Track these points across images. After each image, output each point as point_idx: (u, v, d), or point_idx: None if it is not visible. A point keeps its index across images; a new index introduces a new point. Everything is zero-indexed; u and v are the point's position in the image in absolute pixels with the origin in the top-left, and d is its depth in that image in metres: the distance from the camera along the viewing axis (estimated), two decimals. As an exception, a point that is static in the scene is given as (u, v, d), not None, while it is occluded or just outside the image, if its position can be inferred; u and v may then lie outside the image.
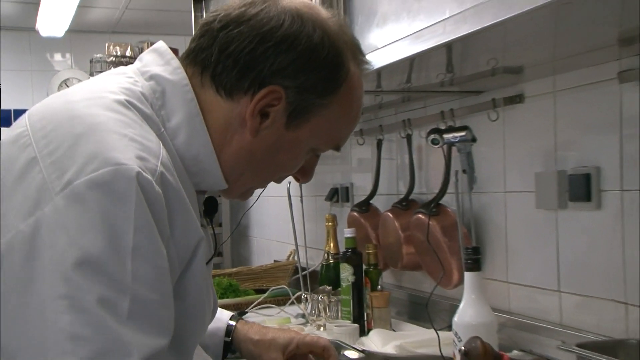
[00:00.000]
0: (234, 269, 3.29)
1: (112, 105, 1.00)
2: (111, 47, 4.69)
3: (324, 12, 1.11)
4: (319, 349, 1.37)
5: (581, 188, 1.69)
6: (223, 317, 1.52)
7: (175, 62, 1.09)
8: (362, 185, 2.83)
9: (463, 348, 1.48)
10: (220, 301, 2.83)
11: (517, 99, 1.91)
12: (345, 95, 1.11)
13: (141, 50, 4.74)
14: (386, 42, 1.61)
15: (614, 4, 1.17)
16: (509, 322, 1.92)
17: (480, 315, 1.59)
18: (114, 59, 4.67)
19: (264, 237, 4.21)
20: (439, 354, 1.82)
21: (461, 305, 1.62)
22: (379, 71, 1.69)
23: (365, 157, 2.80)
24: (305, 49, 1.05)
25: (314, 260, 2.93)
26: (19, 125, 1.01)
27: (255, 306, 2.78)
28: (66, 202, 0.88)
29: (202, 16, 3.48)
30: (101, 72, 4.61)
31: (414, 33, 1.48)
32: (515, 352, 1.60)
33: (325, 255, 2.58)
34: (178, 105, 1.06)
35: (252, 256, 4.46)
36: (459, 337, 1.58)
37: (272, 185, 2.81)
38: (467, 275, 1.62)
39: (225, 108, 1.08)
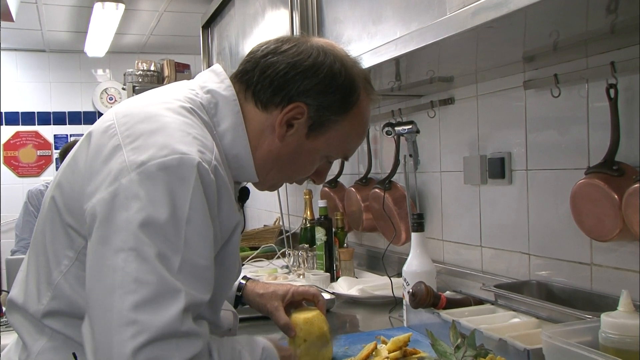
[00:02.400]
0: (235, 232, 3.27)
1: (180, 110, 1.01)
2: (139, 64, 4.64)
3: (343, 50, 1.11)
4: (310, 296, 1.36)
5: (497, 168, 1.70)
6: None
7: (227, 82, 1.09)
8: (332, 167, 2.81)
9: (411, 290, 1.49)
10: (225, 256, 2.83)
11: (449, 101, 1.91)
12: (356, 115, 1.10)
13: (162, 66, 4.71)
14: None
15: (519, 30, 1.18)
16: (444, 270, 1.93)
17: (423, 265, 1.60)
18: (141, 73, 4.62)
19: (255, 207, 4.20)
20: (392, 295, 1.83)
21: (409, 258, 1.62)
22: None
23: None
24: (326, 75, 1.05)
25: (294, 225, 2.93)
26: (107, 119, 1.01)
27: (249, 260, 2.78)
28: (140, 177, 0.89)
29: (209, 40, 3.45)
30: (132, 83, 4.57)
31: (372, 50, 1.47)
32: (448, 292, 1.61)
33: (304, 220, 2.57)
34: (227, 115, 1.06)
35: (248, 222, 4.44)
36: (407, 282, 1.58)
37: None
38: (414, 235, 1.62)
39: (261, 118, 1.08)
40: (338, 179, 2.61)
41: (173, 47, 4.68)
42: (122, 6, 3.34)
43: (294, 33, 1.94)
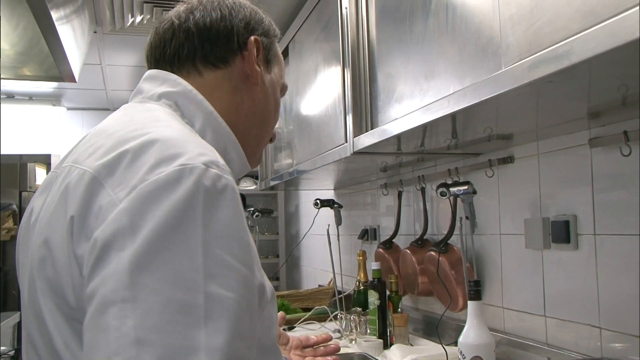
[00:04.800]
0: (287, 292, 3.20)
1: (159, 120, 0.85)
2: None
3: None
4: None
5: (562, 232, 1.58)
6: None
7: (172, 76, 0.96)
8: (387, 227, 2.74)
9: (466, 364, 1.38)
10: (274, 318, 2.76)
11: (509, 159, 1.82)
12: None
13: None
14: (403, 114, 1.54)
15: (583, 84, 1.09)
16: (504, 340, 1.79)
17: (481, 337, 1.49)
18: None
19: (311, 266, 4.13)
20: (447, 366, 1.71)
21: (465, 328, 1.51)
22: (399, 137, 1.62)
23: (389, 204, 2.72)
24: (250, 5, 1.02)
25: (349, 285, 2.85)
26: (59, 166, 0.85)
27: (301, 322, 2.70)
28: (129, 203, 0.69)
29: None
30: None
31: (424, 106, 1.41)
32: (509, 366, 1.49)
33: (357, 283, 2.50)
34: (194, 110, 0.93)
35: (302, 280, 4.38)
36: (464, 355, 1.47)
37: (316, 225, 2.78)
38: (470, 304, 1.52)
39: (227, 75, 0.98)
40: (393, 240, 2.52)
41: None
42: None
43: (346, 89, 1.91)
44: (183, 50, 0.97)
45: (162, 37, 0.98)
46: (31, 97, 4.55)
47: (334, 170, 2.50)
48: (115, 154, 0.75)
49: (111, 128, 0.83)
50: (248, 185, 4.71)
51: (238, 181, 4.30)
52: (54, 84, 4.14)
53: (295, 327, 2.67)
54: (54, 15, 2.14)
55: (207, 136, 0.92)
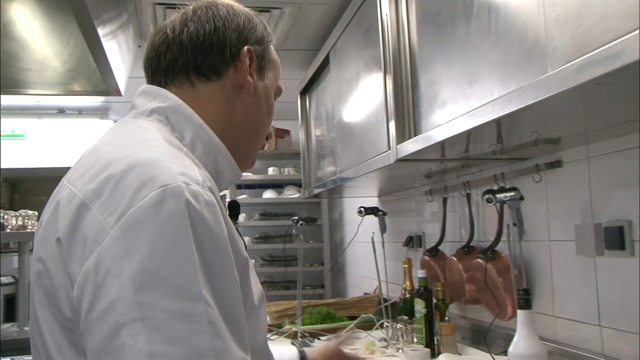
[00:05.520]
0: (332, 300, 3.19)
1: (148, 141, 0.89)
2: (241, 130, 4.76)
3: None
4: None
5: (615, 238, 1.52)
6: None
7: (163, 91, 0.98)
8: (432, 234, 2.70)
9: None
10: (320, 326, 2.75)
11: (557, 164, 1.77)
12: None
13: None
14: (446, 120, 1.51)
15: (635, 85, 1.05)
16: (556, 350, 1.73)
17: (531, 347, 1.45)
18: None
19: (356, 273, 4.11)
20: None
21: (515, 338, 1.47)
22: (443, 143, 1.59)
23: (434, 211, 2.68)
24: (243, 12, 1.03)
25: (395, 293, 2.81)
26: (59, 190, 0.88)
27: (347, 331, 2.67)
28: (122, 231, 0.74)
29: (307, 105, 3.48)
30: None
31: (468, 112, 1.38)
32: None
33: (403, 291, 2.47)
34: (184, 124, 0.95)
35: (348, 288, 4.35)
36: (513, 365, 1.43)
37: (360, 232, 2.76)
38: (520, 313, 1.48)
39: (220, 86, 1.00)
40: (439, 247, 2.48)
41: (274, 113, 4.77)
42: (222, 76, 3.44)
43: (388, 96, 1.89)
44: (177, 63, 0.99)
45: (157, 50, 1.00)
46: (80, 112, 4.66)
47: (378, 178, 2.48)
48: (102, 178, 0.80)
49: (103, 147, 0.88)
50: (292, 194, 4.72)
51: (281, 189, 4.31)
52: (101, 98, 4.23)
53: (341, 335, 2.65)
54: (101, 32, 2.18)
55: (197, 148, 0.94)
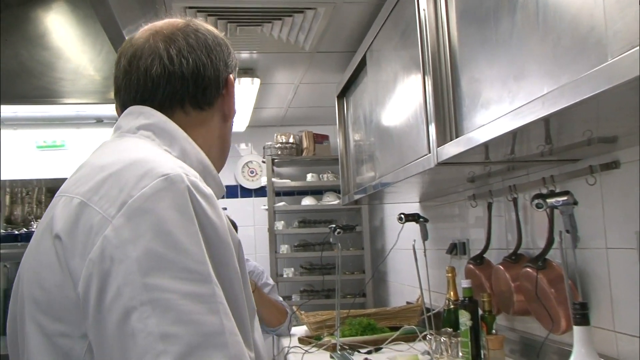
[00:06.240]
0: (373, 310, 3.08)
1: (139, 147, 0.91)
2: (278, 136, 4.70)
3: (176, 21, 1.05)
4: None
5: (682, 246, 1.38)
6: None
7: (146, 109, 0.97)
8: (476, 240, 2.57)
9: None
10: (360, 338, 2.64)
11: (613, 165, 1.63)
12: None
13: (300, 138, 4.73)
14: (490, 120, 1.40)
15: None
16: (617, 367, 1.60)
17: (590, 367, 1.31)
18: (280, 145, 4.67)
19: (398, 281, 3.99)
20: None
21: (572, 357, 1.35)
22: (486, 145, 1.47)
23: (479, 217, 2.55)
24: (222, 38, 1.05)
25: (439, 302, 2.69)
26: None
27: (388, 343, 2.56)
28: (126, 218, 0.74)
29: (344, 109, 3.39)
30: (271, 156, 4.62)
31: (514, 110, 1.27)
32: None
33: (447, 301, 2.34)
34: (170, 138, 0.94)
35: (390, 297, 4.24)
36: (571, 387, 1.30)
37: (402, 239, 2.64)
38: (576, 329, 1.35)
39: (210, 114, 1.02)
40: (484, 255, 2.35)
41: (311, 118, 4.70)
42: (257, 81, 3.38)
43: (427, 96, 1.78)
44: (176, 95, 0.98)
45: (156, 81, 0.97)
46: (117, 120, 4.66)
47: (419, 183, 2.37)
48: (99, 179, 0.80)
49: (95, 160, 0.88)
50: (331, 200, 4.62)
51: (321, 196, 4.23)
52: (138, 107, 4.23)
53: (382, 347, 2.54)
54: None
55: (186, 162, 0.92)
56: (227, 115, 1.05)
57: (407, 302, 3.37)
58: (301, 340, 2.80)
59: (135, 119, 0.96)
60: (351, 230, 2.50)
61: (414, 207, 3.26)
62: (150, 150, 0.88)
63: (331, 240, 2.42)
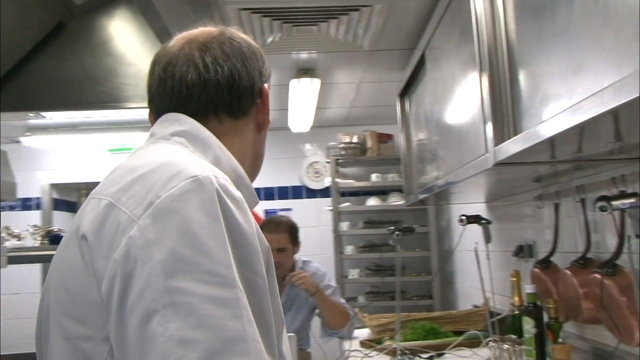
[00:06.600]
0: (437, 313, 2.99)
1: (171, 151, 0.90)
2: (341, 136, 4.66)
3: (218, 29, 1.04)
4: None
5: None
6: None
7: (181, 116, 0.96)
8: (544, 243, 2.44)
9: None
10: (421, 342, 2.57)
11: (689, 163, 1.50)
12: None
13: (365, 138, 4.67)
14: (549, 117, 1.31)
15: None
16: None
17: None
18: (344, 145, 4.63)
19: (465, 284, 3.87)
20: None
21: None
22: (548, 142, 1.37)
23: (546, 218, 2.43)
24: (257, 47, 1.04)
25: (506, 307, 2.58)
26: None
27: (451, 348, 2.48)
28: (152, 219, 0.73)
29: (406, 108, 3.31)
30: (335, 156, 4.59)
31: (573, 105, 1.18)
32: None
33: (511, 306, 2.24)
34: (203, 145, 0.93)
35: (457, 300, 4.12)
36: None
37: (468, 240, 2.54)
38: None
39: (245, 124, 1.01)
40: (550, 259, 2.23)
41: (375, 117, 4.64)
42: (317, 81, 3.36)
43: (483, 93, 1.70)
44: (210, 103, 0.97)
45: (191, 89, 0.96)
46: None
47: (481, 183, 2.28)
48: (129, 179, 0.80)
49: (126, 164, 0.87)
50: (396, 201, 4.54)
51: (386, 196, 4.16)
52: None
53: (444, 353, 2.46)
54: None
55: (219, 169, 0.90)
56: (261, 125, 1.04)
57: (474, 306, 3.26)
58: (363, 343, 2.75)
59: (170, 126, 0.95)
60: (410, 232, 2.44)
61: (480, 208, 3.15)
62: (181, 154, 0.87)
63: (390, 242, 2.35)
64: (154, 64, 1.00)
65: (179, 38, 1.02)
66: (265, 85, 1.04)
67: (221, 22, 2.27)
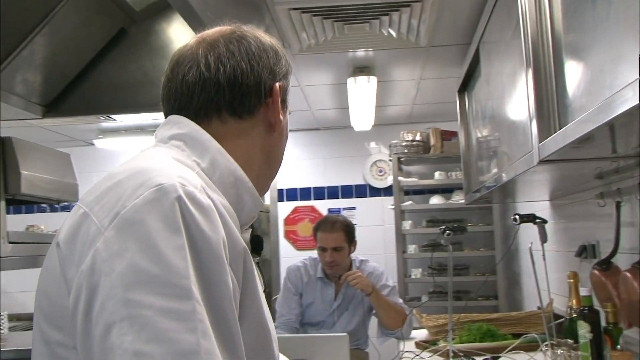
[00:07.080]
0: (495, 315, 2.90)
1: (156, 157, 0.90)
2: (404, 134, 4.61)
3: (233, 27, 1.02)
4: None
5: None
6: None
7: (182, 119, 0.95)
8: (607, 243, 2.33)
9: None
10: (476, 345, 2.50)
11: None
12: None
13: (428, 135, 4.60)
14: (585, 112, 1.24)
15: None
16: None
17: None
18: (407, 143, 4.57)
19: (532, 284, 3.73)
20: None
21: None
22: (584, 138, 1.29)
23: (608, 217, 2.31)
24: (271, 45, 1.01)
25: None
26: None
27: (508, 351, 2.40)
28: (117, 230, 0.73)
29: (465, 104, 3.23)
30: (397, 154, 4.54)
31: (606, 100, 1.11)
32: None
33: (569, 309, 2.14)
34: (201, 149, 0.91)
35: (524, 300, 3.99)
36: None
37: (532, 240, 2.45)
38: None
39: (252, 124, 0.98)
40: (611, 260, 2.12)
41: (438, 114, 4.56)
42: (373, 79, 3.33)
43: (528, 88, 1.63)
44: (211, 103, 0.95)
45: (190, 87, 0.95)
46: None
47: (537, 180, 2.19)
48: (105, 187, 0.81)
49: (112, 170, 0.87)
50: (460, 199, 4.44)
51: (450, 195, 4.06)
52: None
53: (500, 356, 2.39)
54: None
55: (216, 173, 0.91)
56: (273, 125, 1.00)
57: (538, 307, 3.14)
58: (418, 344, 2.71)
59: (170, 129, 0.94)
60: (462, 231, 2.37)
61: (544, 206, 3.04)
62: (163, 159, 0.86)
63: (442, 242, 2.31)
64: (168, 65, 1.01)
65: (194, 37, 1.01)
66: (279, 83, 1.00)
67: (273, 24, 2.27)
